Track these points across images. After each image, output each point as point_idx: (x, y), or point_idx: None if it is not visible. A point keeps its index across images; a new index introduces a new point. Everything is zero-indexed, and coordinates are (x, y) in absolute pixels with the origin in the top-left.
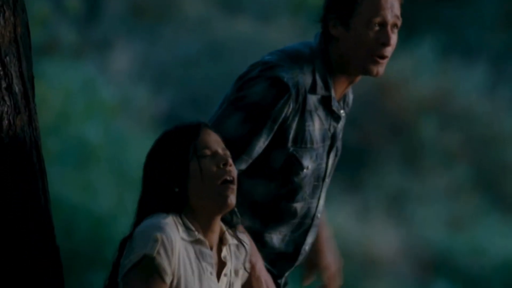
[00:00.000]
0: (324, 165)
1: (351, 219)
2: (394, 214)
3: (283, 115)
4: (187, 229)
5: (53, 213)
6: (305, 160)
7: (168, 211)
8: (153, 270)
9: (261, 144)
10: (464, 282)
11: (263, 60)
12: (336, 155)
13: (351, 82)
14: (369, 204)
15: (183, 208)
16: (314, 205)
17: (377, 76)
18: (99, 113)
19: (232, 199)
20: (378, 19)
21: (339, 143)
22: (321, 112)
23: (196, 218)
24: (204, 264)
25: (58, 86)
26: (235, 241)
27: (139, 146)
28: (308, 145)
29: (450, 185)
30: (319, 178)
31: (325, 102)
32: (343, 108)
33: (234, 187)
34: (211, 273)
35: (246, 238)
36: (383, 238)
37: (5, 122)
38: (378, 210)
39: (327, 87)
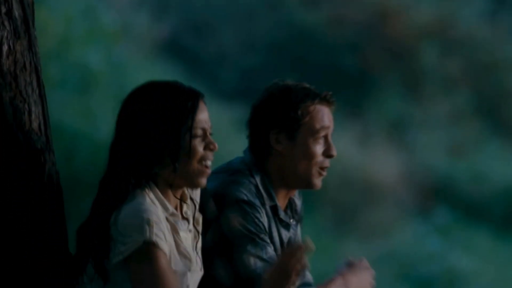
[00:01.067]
0: None
1: (351, 146)
2: (395, 140)
3: (264, 225)
4: (162, 204)
5: (54, 139)
6: None
7: (141, 183)
8: (157, 250)
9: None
10: (465, 208)
11: (210, 192)
12: None
13: (290, 193)
14: (370, 130)
15: (156, 179)
16: None
17: (317, 189)
18: (100, 39)
19: (205, 181)
20: (323, 132)
21: None
22: (272, 222)
23: (167, 190)
24: (181, 232)
25: (59, 12)
26: (190, 192)
27: (140, 72)
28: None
29: (451, 111)
30: None
31: (273, 212)
32: (292, 217)
33: (210, 171)
34: (185, 238)
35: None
36: (384, 165)
37: (5, 47)
38: (379, 136)
39: (271, 198)
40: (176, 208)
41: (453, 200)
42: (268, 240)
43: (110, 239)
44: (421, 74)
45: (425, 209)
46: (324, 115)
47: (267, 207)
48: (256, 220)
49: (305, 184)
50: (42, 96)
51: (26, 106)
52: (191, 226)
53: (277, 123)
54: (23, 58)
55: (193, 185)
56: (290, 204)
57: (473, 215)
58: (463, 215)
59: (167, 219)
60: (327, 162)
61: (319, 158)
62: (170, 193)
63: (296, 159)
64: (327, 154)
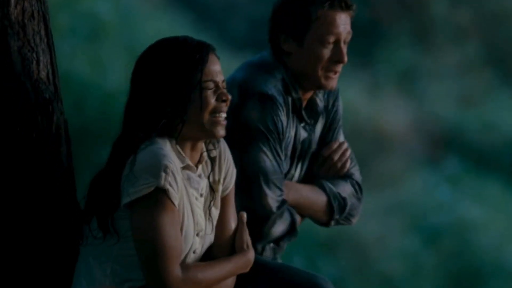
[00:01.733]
0: (290, 175)
1: (361, 95)
2: (405, 90)
3: (283, 125)
4: (178, 154)
5: (63, 89)
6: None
7: (160, 134)
8: (167, 201)
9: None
10: (475, 158)
11: (238, 80)
12: (304, 167)
13: (306, 93)
14: (380, 80)
15: (173, 133)
16: None
17: (331, 89)
18: None
19: (223, 132)
20: (332, 37)
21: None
22: (291, 120)
23: (184, 143)
24: (191, 190)
25: None
26: (214, 154)
27: (149, 22)
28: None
29: (461, 61)
30: None
31: (294, 107)
32: (311, 117)
33: (225, 122)
34: (196, 198)
35: (227, 151)
36: (394, 115)
37: None
38: (389, 86)
39: (295, 91)
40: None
41: (463, 150)
42: (281, 142)
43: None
44: (431, 24)
45: (435, 159)
46: (335, 20)
47: (290, 99)
48: (276, 117)
49: (315, 85)
50: (50, 45)
51: (34, 55)
52: (203, 191)
53: (287, 25)
54: (31, 7)
55: (210, 136)
56: (311, 104)
57: (483, 164)
58: (473, 165)
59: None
60: (336, 67)
61: (325, 62)
62: (188, 148)
63: (303, 62)
64: (335, 59)
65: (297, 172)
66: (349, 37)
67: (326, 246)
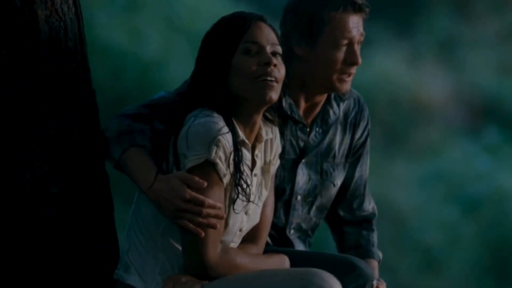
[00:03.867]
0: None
1: (400, 65)
2: (444, 60)
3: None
4: (233, 129)
5: (102, 59)
6: None
7: (215, 107)
8: (214, 175)
9: None
10: None
11: None
12: (316, 173)
13: (314, 98)
14: (419, 49)
15: (229, 104)
16: (282, 220)
17: (345, 92)
18: None
19: (272, 95)
20: (345, 40)
21: (325, 165)
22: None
23: (239, 117)
24: (244, 167)
25: None
26: (270, 135)
27: None
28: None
29: (501, 30)
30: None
31: (284, 112)
32: (320, 126)
33: (275, 84)
34: (247, 175)
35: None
36: (433, 84)
37: None
38: (428, 55)
39: (286, 96)
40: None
41: (502, 120)
42: None
43: (177, 154)
44: None
45: (473, 128)
46: (349, 23)
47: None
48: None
49: (327, 88)
50: (78, 15)
51: (62, 24)
52: (256, 170)
53: (299, 28)
54: None
55: (257, 100)
56: (323, 113)
57: None
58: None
59: (235, 145)
60: (351, 69)
61: (339, 65)
62: (243, 125)
63: (315, 65)
64: (349, 62)
65: (302, 178)
66: (362, 38)
67: None
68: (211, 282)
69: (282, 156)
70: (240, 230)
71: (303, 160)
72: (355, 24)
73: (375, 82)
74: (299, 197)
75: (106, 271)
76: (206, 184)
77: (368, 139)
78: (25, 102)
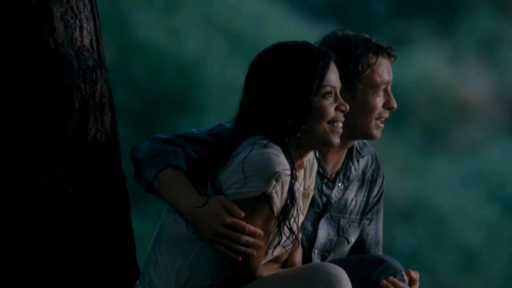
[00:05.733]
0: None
1: (441, 64)
2: (486, 59)
3: None
4: (291, 163)
5: (140, 58)
6: None
7: (277, 141)
8: (266, 207)
9: None
10: None
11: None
12: (334, 229)
13: (343, 149)
14: (460, 48)
15: (290, 141)
16: None
17: (377, 139)
18: None
19: (338, 140)
20: (383, 85)
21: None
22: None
23: (295, 151)
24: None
25: None
26: (309, 162)
27: None
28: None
29: None
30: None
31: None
32: (341, 181)
33: (341, 130)
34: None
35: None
36: (474, 83)
37: None
38: (469, 54)
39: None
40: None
41: None
42: None
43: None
44: None
45: None
46: (384, 69)
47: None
48: None
49: (364, 135)
50: (94, 12)
51: (78, 22)
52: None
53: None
54: None
55: (325, 145)
56: (345, 169)
57: None
58: None
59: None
60: (386, 113)
61: (379, 110)
62: (295, 155)
63: (356, 113)
64: (388, 106)
65: (322, 233)
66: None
67: (403, 216)
68: None
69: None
70: (272, 255)
71: (325, 215)
72: (388, 68)
73: (416, 81)
74: (316, 251)
75: (123, 271)
76: (243, 215)
77: (383, 196)
78: (41, 101)
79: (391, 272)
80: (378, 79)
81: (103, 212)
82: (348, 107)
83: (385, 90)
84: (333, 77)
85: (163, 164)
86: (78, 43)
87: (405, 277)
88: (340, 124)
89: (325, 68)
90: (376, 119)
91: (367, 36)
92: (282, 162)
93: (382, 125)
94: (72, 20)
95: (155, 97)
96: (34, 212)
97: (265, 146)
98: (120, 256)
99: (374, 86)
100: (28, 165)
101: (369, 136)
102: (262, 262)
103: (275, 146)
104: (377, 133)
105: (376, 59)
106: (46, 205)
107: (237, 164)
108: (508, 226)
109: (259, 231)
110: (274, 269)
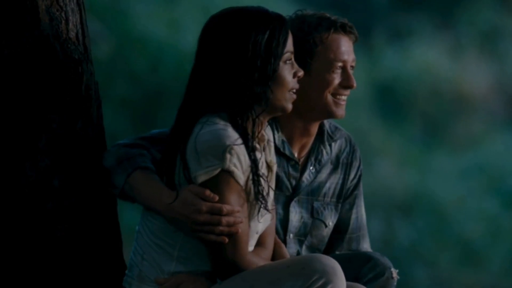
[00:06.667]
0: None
1: (442, 57)
2: (486, 51)
3: None
4: (243, 133)
5: (139, 51)
6: None
7: (230, 111)
8: (232, 182)
9: None
10: None
11: None
12: (307, 212)
13: (308, 127)
14: (461, 41)
15: (247, 111)
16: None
17: (341, 118)
18: None
19: (291, 106)
20: (339, 63)
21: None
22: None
23: (251, 121)
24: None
25: None
26: (268, 136)
27: None
28: None
29: None
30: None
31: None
32: (312, 164)
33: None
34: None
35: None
36: (475, 76)
37: None
38: (470, 46)
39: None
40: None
41: None
42: None
43: (184, 159)
44: None
45: None
46: (340, 46)
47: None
48: None
49: (323, 113)
50: (80, 4)
51: (63, 14)
52: (262, 169)
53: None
54: None
55: (283, 110)
56: (316, 152)
57: None
58: None
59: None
60: (344, 91)
61: (334, 87)
62: (250, 124)
63: (310, 89)
64: (344, 85)
65: (295, 216)
66: (354, 63)
67: (403, 208)
68: (216, 285)
69: (275, 192)
70: (256, 233)
71: (295, 198)
72: (347, 47)
73: (416, 73)
74: (291, 235)
75: (109, 265)
76: (217, 197)
77: (361, 180)
78: (26, 94)
79: (380, 269)
80: (331, 55)
81: (89, 205)
82: (302, 72)
83: (343, 68)
84: (290, 42)
85: (131, 168)
86: (64, 36)
87: (394, 274)
88: (295, 91)
89: (287, 34)
90: (332, 94)
91: (326, 14)
92: (230, 135)
93: (342, 103)
94: (57, 13)
95: (154, 90)
96: (19, 205)
97: (213, 123)
98: (106, 250)
99: (327, 63)
100: (12, 158)
101: (329, 114)
102: (250, 244)
103: (222, 121)
104: (337, 110)
105: (329, 35)
106: (31, 198)
107: (191, 146)
108: (508, 219)
109: (237, 208)
110: (265, 260)
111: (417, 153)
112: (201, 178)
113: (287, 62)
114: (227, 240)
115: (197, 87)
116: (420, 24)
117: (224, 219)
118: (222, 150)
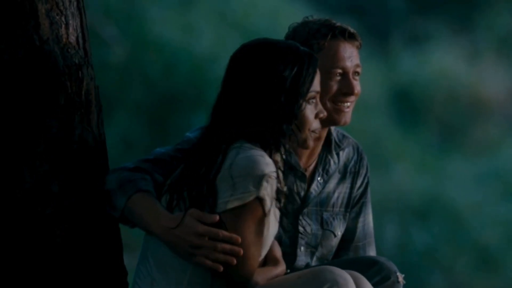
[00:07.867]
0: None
1: (459, 61)
2: (504, 56)
3: None
4: (275, 164)
5: (154, 55)
6: None
7: (263, 141)
8: (259, 209)
9: None
10: None
11: None
12: (317, 223)
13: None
14: (479, 46)
15: (279, 145)
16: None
17: (345, 125)
18: None
19: (312, 143)
20: (338, 70)
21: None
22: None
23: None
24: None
25: None
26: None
27: None
28: None
29: None
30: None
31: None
32: (320, 175)
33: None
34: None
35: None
36: (492, 81)
37: None
38: (488, 51)
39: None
40: None
41: None
42: None
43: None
44: None
45: None
46: (339, 52)
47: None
48: None
49: (326, 122)
50: (80, 8)
51: (63, 18)
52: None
53: None
54: None
55: (302, 147)
56: (323, 162)
57: None
58: None
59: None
60: (347, 99)
61: (333, 94)
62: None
63: None
64: (342, 91)
65: (306, 229)
66: (359, 69)
67: (419, 213)
68: None
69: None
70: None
71: (304, 210)
72: (347, 53)
73: (433, 78)
74: (302, 248)
75: (109, 270)
76: (218, 218)
77: (369, 188)
78: (25, 99)
79: (385, 273)
80: (328, 62)
81: (88, 210)
82: (326, 114)
83: (344, 75)
84: (317, 81)
85: (132, 191)
86: (64, 40)
87: (400, 279)
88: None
89: (314, 73)
90: (333, 101)
91: (331, 21)
92: (269, 163)
93: (345, 110)
94: (57, 17)
95: (169, 95)
96: (18, 210)
97: (249, 148)
98: (106, 255)
99: (325, 70)
100: (11, 163)
101: (332, 122)
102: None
103: (258, 148)
104: (338, 117)
105: (325, 42)
106: (30, 204)
107: (225, 172)
108: None
109: (236, 236)
110: (269, 270)
111: (434, 158)
112: (233, 203)
113: (311, 101)
114: (221, 268)
115: (223, 115)
116: (437, 28)
117: (220, 245)
118: (260, 177)
